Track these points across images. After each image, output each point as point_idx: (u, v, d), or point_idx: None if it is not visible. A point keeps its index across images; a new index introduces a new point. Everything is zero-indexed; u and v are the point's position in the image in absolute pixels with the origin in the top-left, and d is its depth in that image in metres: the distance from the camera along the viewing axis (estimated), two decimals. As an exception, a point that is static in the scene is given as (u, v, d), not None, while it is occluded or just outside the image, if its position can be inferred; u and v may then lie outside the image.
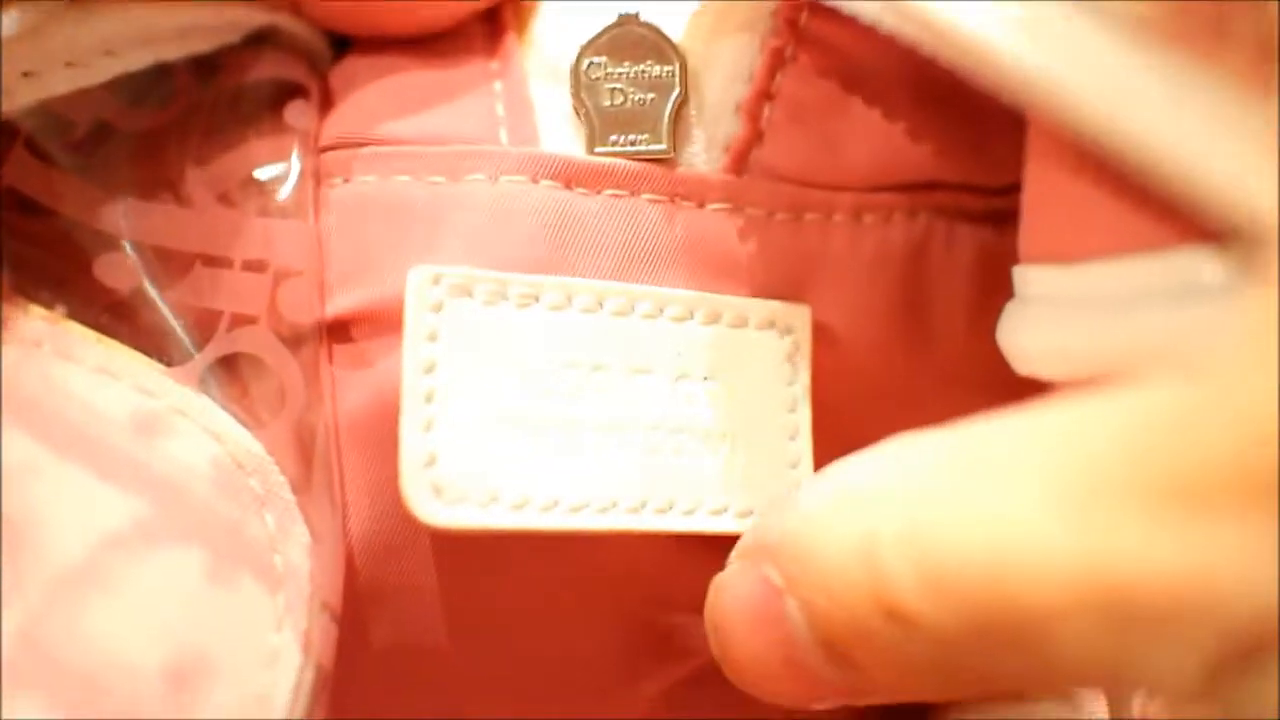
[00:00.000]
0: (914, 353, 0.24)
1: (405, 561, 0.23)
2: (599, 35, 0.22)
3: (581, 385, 0.21)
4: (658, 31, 0.22)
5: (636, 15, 0.22)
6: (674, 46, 0.22)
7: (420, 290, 0.21)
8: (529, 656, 0.24)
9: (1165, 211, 0.17)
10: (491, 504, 0.21)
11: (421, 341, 0.21)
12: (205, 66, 0.23)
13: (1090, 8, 0.17)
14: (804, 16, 0.22)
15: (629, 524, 0.22)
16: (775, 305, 0.23)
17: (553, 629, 0.24)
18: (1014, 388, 0.19)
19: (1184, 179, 0.17)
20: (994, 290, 0.21)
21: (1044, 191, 0.19)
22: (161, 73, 0.23)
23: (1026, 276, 0.20)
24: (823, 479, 0.19)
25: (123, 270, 0.22)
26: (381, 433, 0.22)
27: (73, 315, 0.21)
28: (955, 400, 0.19)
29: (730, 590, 0.19)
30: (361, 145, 0.23)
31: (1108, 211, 0.18)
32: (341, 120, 0.23)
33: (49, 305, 0.21)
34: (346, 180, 0.23)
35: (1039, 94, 0.17)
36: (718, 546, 0.21)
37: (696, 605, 0.21)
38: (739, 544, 0.20)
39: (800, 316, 0.23)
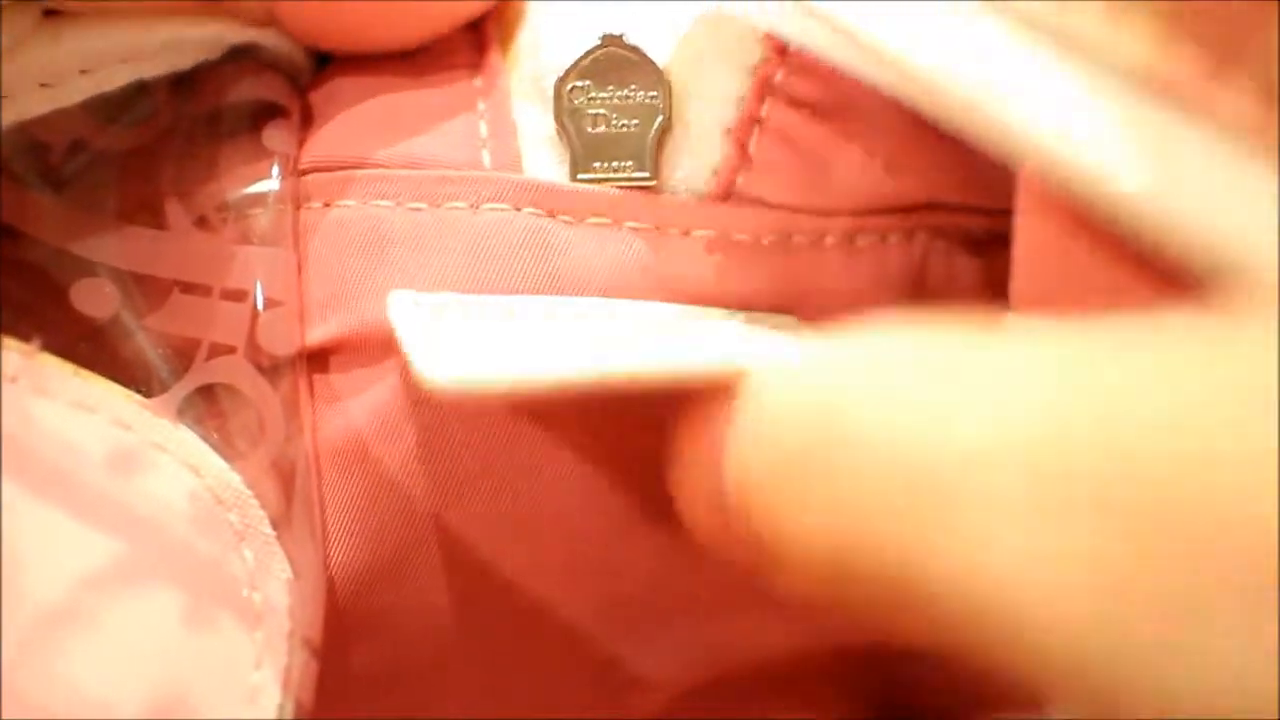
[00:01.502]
0: None
1: (387, 587, 0.23)
2: (582, 58, 0.22)
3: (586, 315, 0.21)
4: (642, 54, 0.22)
5: (621, 36, 0.22)
6: (659, 71, 0.22)
7: (402, 311, 0.20)
8: (514, 674, 0.24)
9: (1161, 274, 0.17)
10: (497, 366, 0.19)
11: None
12: (184, 84, 0.23)
13: (1069, 51, 0.17)
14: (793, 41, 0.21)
15: (638, 366, 0.20)
16: (764, 315, 0.22)
17: (536, 645, 0.24)
18: None
19: (1172, 236, 0.16)
20: (998, 314, 0.21)
21: (1035, 245, 0.19)
22: (139, 90, 0.23)
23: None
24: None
25: (100, 297, 0.22)
26: (362, 459, 0.22)
27: (49, 345, 0.21)
28: None
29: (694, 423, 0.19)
30: (341, 169, 0.22)
31: (1102, 271, 0.17)
32: (322, 142, 0.23)
33: (25, 336, 0.21)
34: (326, 205, 0.22)
35: (1001, 128, 0.17)
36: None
37: (687, 608, 0.21)
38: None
39: (790, 324, 0.22)
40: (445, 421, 0.22)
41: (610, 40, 0.22)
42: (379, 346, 0.22)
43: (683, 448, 0.19)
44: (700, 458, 0.18)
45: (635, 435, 0.22)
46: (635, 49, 0.22)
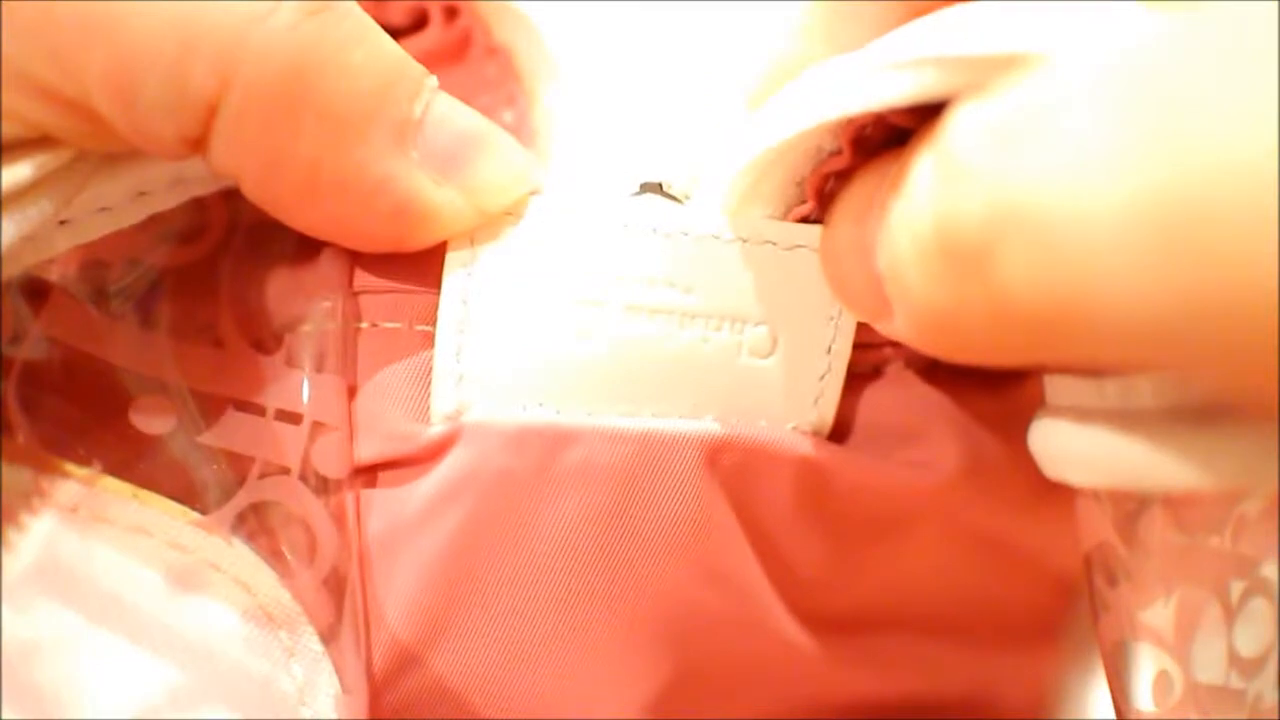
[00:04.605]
0: None
1: (426, 671, 0.23)
2: None
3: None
4: None
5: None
6: None
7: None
8: None
9: None
10: None
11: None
12: (237, 198, 0.23)
13: None
14: None
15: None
16: None
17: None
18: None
19: None
20: None
21: None
22: (195, 206, 0.23)
23: (1056, 386, 0.21)
24: None
25: (158, 413, 0.23)
26: (404, 549, 0.22)
27: (107, 465, 0.22)
28: None
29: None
30: (389, 291, 0.23)
31: None
32: (371, 263, 0.23)
33: (84, 460, 0.22)
34: (375, 326, 0.23)
35: None
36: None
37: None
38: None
39: None
40: (486, 528, 0.23)
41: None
42: (426, 460, 0.22)
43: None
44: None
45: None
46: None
